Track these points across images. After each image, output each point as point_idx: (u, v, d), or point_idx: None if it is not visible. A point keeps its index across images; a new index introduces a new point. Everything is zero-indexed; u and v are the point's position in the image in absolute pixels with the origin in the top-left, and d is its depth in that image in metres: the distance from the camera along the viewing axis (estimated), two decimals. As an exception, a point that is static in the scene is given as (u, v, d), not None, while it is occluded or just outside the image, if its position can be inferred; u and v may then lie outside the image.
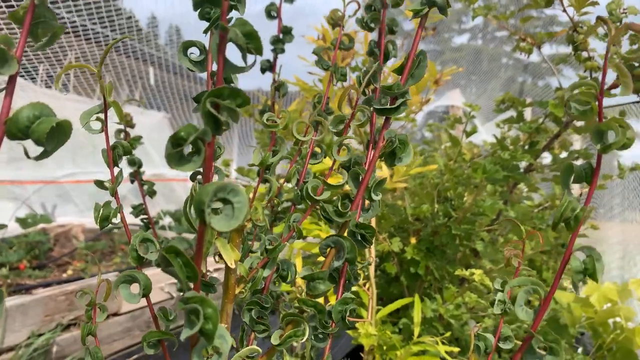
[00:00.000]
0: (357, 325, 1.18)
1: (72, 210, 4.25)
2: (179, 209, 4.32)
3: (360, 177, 0.43)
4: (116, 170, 0.51)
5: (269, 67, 0.70)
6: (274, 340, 0.42)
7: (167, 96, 6.28)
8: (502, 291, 0.62)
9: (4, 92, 0.30)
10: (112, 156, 0.46)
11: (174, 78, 6.63)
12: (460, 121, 1.43)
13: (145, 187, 0.94)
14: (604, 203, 2.69)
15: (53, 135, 0.30)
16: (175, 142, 0.30)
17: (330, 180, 0.47)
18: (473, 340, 0.46)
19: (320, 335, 0.51)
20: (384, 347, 1.25)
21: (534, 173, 1.44)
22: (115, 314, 2.30)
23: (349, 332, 1.30)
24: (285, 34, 0.68)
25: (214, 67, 0.46)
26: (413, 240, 1.49)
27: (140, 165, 0.91)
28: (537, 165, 1.33)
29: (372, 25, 0.48)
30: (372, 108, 0.42)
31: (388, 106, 0.41)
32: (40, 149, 0.32)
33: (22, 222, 3.05)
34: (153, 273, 2.47)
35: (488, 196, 1.42)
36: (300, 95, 1.40)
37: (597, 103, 0.34)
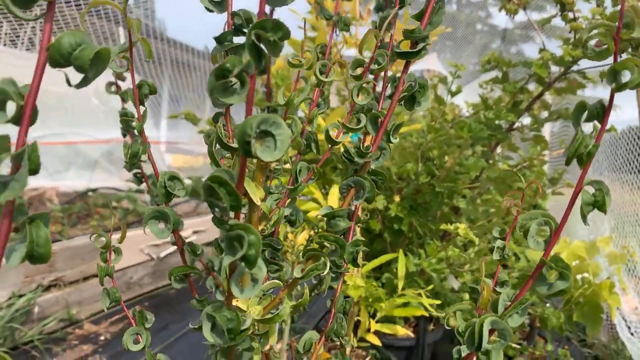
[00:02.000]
0: (345, 278, 1.22)
1: (42, 174, 4.15)
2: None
3: (379, 121, 0.45)
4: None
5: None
6: (297, 273, 0.44)
7: (138, 58, 6.08)
8: (501, 238, 0.65)
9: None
10: (139, 95, 0.46)
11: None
12: (445, 81, 1.46)
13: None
14: (573, 169, 2.77)
15: (94, 63, 0.31)
16: (220, 73, 0.31)
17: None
18: (483, 283, 0.49)
19: (333, 274, 0.54)
20: (370, 299, 1.30)
21: (514, 133, 1.48)
22: (96, 275, 2.30)
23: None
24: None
25: (234, 8, 0.46)
26: (397, 199, 1.52)
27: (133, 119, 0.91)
28: (519, 126, 1.37)
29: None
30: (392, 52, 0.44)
31: (409, 50, 0.42)
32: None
33: (-8, 184, 2.98)
34: (134, 234, 2.46)
35: (470, 156, 1.46)
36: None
37: (614, 43, 0.36)
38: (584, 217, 0.38)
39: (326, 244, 0.44)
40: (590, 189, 0.38)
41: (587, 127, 0.46)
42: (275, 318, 0.42)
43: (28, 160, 0.28)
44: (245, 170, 0.33)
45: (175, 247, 2.00)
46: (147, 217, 0.39)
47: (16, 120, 0.30)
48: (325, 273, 0.44)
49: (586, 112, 0.38)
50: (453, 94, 1.38)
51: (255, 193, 0.41)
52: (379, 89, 0.54)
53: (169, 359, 0.53)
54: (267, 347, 0.46)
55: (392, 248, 1.58)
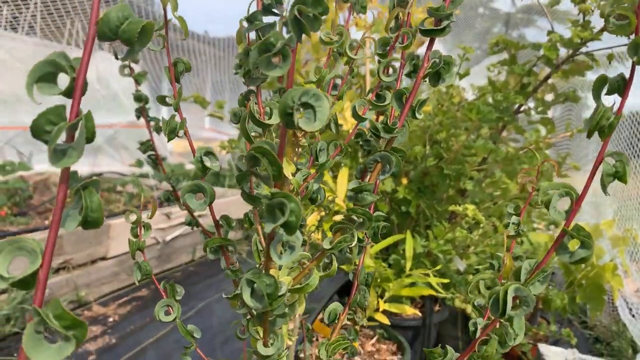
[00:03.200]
0: (355, 258, 1.24)
1: (46, 159, 4.16)
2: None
3: (404, 98, 0.46)
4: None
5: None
6: (326, 245, 0.45)
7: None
8: (516, 214, 0.67)
9: None
10: (174, 73, 0.48)
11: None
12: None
13: (152, 123, 0.94)
14: (577, 153, 2.79)
15: (140, 36, 0.32)
16: (265, 47, 0.32)
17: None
18: (508, 254, 0.51)
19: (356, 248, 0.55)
20: (379, 280, 1.32)
21: (520, 116, 1.49)
22: (103, 259, 2.33)
23: (344, 267, 1.36)
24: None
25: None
26: (404, 181, 1.54)
27: (146, 101, 0.91)
28: (526, 109, 1.38)
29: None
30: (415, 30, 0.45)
31: (434, 27, 0.43)
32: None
33: (0, 169, 2.99)
34: (140, 218, 2.48)
35: (477, 138, 1.47)
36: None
37: (635, 17, 0.37)
38: (604, 187, 0.40)
39: (354, 217, 0.45)
40: (611, 160, 0.40)
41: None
42: (306, 287, 0.44)
43: (85, 129, 0.29)
44: (286, 141, 0.34)
45: (179, 231, 2.03)
46: (184, 191, 0.40)
47: (69, 92, 0.31)
48: (353, 244, 0.45)
49: (607, 85, 0.39)
50: (461, 77, 1.39)
51: (287, 167, 0.42)
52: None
53: (198, 329, 0.55)
54: (297, 315, 0.48)
55: (399, 230, 1.60)
